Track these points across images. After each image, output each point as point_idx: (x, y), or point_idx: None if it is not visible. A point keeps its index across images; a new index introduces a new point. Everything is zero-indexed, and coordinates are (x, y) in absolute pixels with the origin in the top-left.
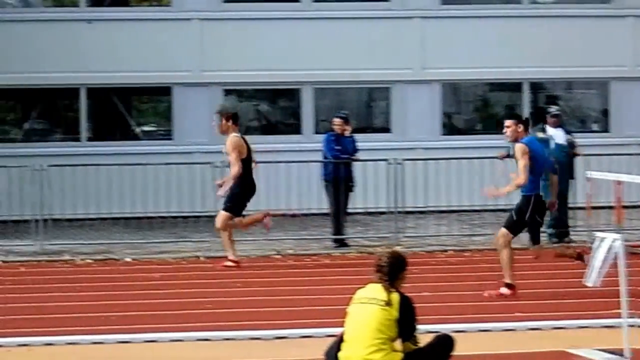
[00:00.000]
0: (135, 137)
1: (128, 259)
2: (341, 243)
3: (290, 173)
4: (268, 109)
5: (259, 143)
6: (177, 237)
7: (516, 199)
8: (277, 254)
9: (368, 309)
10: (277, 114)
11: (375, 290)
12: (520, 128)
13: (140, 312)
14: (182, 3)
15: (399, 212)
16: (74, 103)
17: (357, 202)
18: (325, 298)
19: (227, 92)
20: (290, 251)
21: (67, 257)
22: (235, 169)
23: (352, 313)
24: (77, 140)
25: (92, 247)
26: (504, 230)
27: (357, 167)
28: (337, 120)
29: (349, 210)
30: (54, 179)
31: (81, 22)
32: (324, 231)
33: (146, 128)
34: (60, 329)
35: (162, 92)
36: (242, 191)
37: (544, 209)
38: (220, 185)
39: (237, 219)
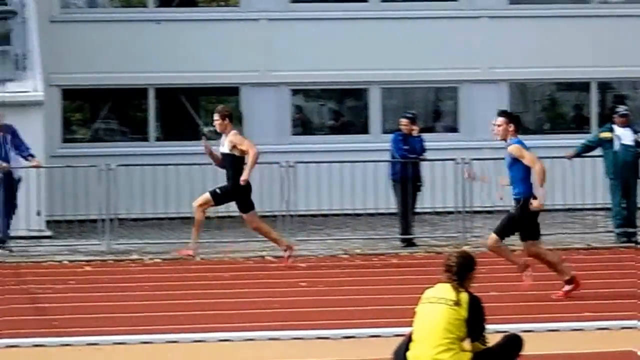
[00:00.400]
0: (203, 137)
1: (198, 258)
2: (409, 243)
3: (358, 173)
4: (335, 109)
5: (326, 143)
6: (244, 237)
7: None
8: (345, 254)
9: (437, 308)
10: (344, 113)
11: (444, 290)
12: (511, 127)
13: (210, 312)
14: (250, 3)
15: (467, 212)
16: (143, 103)
17: (424, 201)
18: (392, 298)
19: (295, 92)
20: (358, 251)
21: (135, 257)
22: (252, 153)
23: (420, 313)
24: (145, 140)
25: (161, 246)
26: (529, 242)
27: (424, 167)
28: (404, 120)
29: (417, 210)
30: (121, 178)
31: (150, 22)
32: (392, 231)
33: (214, 128)
34: (130, 328)
35: (229, 92)
36: (234, 187)
37: (536, 212)
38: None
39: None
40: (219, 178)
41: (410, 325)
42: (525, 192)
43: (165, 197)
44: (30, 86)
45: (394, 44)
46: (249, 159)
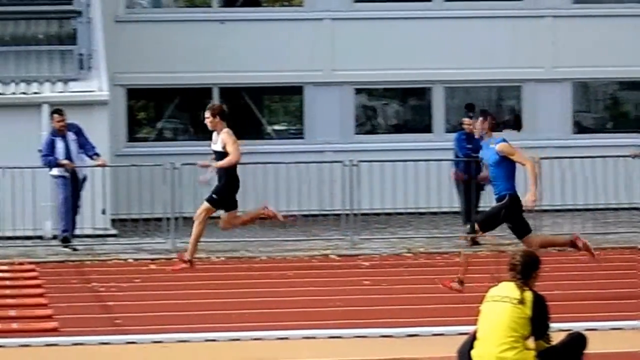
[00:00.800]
0: (267, 136)
1: (262, 257)
2: (472, 241)
3: (421, 171)
4: (398, 108)
5: (389, 142)
6: (309, 236)
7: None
8: (408, 252)
9: (501, 307)
10: (407, 112)
11: (509, 289)
12: (486, 125)
13: (273, 310)
14: (314, 3)
15: (534, 211)
16: (207, 102)
17: (488, 200)
18: (455, 296)
19: (358, 91)
20: (422, 249)
21: (201, 255)
22: (233, 156)
23: (485, 311)
24: (209, 139)
25: (226, 244)
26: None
27: None
28: (466, 120)
29: (480, 209)
30: (185, 177)
31: (214, 22)
32: (455, 229)
33: (277, 127)
34: (194, 326)
35: (293, 92)
36: (229, 186)
37: (519, 210)
38: (205, 167)
39: (230, 215)
40: (284, 175)
41: (474, 324)
42: (510, 189)
43: None
44: (96, 86)
45: (458, 43)
46: (227, 158)
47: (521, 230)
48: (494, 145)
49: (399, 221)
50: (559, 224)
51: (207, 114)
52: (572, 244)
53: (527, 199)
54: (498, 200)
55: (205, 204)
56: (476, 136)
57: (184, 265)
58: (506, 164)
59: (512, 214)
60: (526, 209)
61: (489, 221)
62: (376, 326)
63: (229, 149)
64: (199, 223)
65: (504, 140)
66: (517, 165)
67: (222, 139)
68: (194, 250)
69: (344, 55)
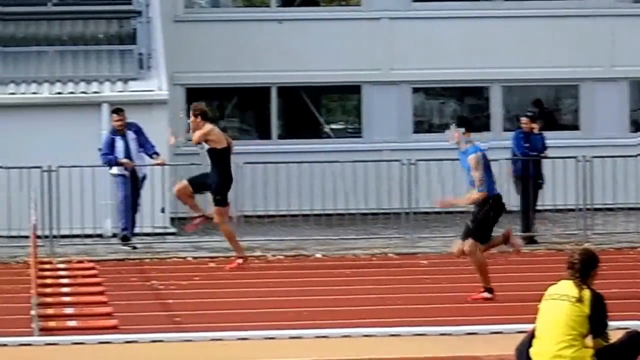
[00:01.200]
0: (324, 135)
1: (319, 255)
2: (530, 240)
3: None
4: (456, 107)
5: (445, 141)
6: (367, 234)
7: None
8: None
9: (559, 305)
10: (465, 111)
11: (567, 287)
12: (463, 131)
13: (331, 308)
14: (371, 3)
15: (588, 209)
16: (265, 102)
17: (546, 199)
18: (513, 294)
19: (415, 90)
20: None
21: (258, 253)
22: (195, 136)
23: (543, 309)
24: (268, 138)
25: (284, 243)
26: (471, 241)
27: (546, 164)
28: (524, 119)
29: (538, 207)
30: (245, 176)
31: (272, 21)
32: (513, 228)
33: (335, 126)
34: (253, 324)
35: (351, 91)
36: (224, 182)
37: (502, 209)
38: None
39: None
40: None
41: (532, 322)
42: (490, 191)
43: (288, 194)
44: (155, 85)
45: (516, 42)
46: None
47: (471, 232)
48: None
49: (457, 219)
50: (611, 222)
51: (190, 114)
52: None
53: (444, 200)
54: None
55: (215, 209)
56: (453, 142)
57: (239, 261)
58: (483, 170)
59: (491, 210)
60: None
61: (484, 230)
62: (435, 324)
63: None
64: (222, 227)
65: (476, 151)
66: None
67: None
68: (240, 248)
69: (401, 55)
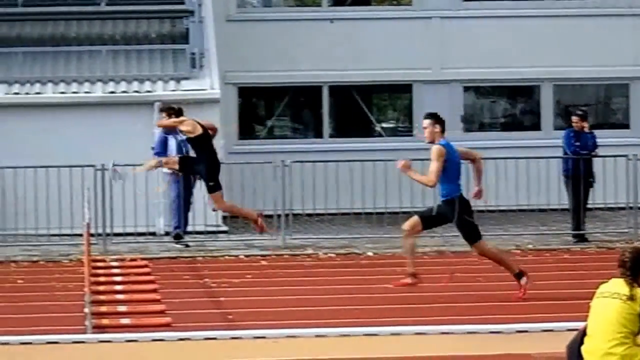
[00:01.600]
0: (376, 133)
1: (370, 253)
2: (581, 238)
3: (531, 169)
4: (506, 106)
5: (498, 139)
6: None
7: None
8: (517, 249)
9: (610, 303)
10: (516, 110)
11: (618, 285)
12: (437, 128)
13: (382, 306)
14: (423, 2)
15: (639, 208)
16: (317, 100)
17: (596, 197)
18: (564, 292)
19: (466, 89)
20: (530, 246)
21: (310, 251)
22: (167, 122)
23: (594, 307)
24: (320, 136)
25: (335, 241)
26: (416, 217)
27: (596, 163)
28: (575, 117)
29: (589, 206)
30: (296, 174)
31: (324, 21)
32: (564, 226)
33: (386, 125)
34: (304, 322)
35: (402, 90)
36: (210, 167)
37: (470, 208)
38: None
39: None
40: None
41: (583, 320)
42: (455, 192)
43: (338, 193)
44: (207, 84)
45: (566, 41)
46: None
47: (466, 232)
48: None
49: (508, 218)
50: None
51: (164, 114)
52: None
53: (403, 162)
54: (445, 202)
55: (212, 197)
56: (427, 141)
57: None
58: (448, 166)
59: (462, 213)
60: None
61: (471, 232)
62: (486, 322)
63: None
64: (223, 207)
65: (444, 144)
66: (450, 167)
67: (181, 130)
68: (248, 211)
69: (452, 54)
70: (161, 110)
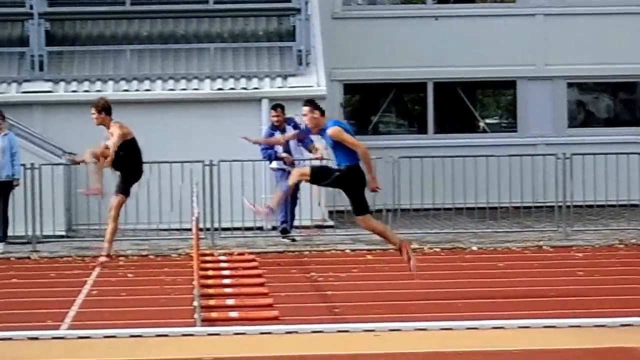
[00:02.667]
0: (480, 129)
1: (474, 248)
2: None
3: (634, 164)
4: (609, 102)
5: (601, 135)
6: (521, 227)
7: None
8: (621, 244)
9: None
10: (618, 106)
11: None
12: (316, 114)
13: (487, 300)
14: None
15: None
16: (421, 97)
17: None
18: None
19: (570, 85)
20: (634, 241)
21: (415, 246)
22: (113, 141)
23: None
24: (424, 132)
25: (440, 236)
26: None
27: None
28: None
29: None
30: (401, 170)
31: (428, 18)
32: None
33: (490, 121)
34: (408, 315)
35: (506, 86)
36: (136, 172)
37: (360, 182)
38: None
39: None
40: (497, 168)
41: None
42: (350, 162)
43: (444, 188)
44: (313, 81)
45: None
46: (111, 141)
47: (357, 207)
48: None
49: (611, 213)
50: None
51: (93, 110)
52: (399, 249)
53: (370, 188)
54: (349, 167)
55: (120, 197)
56: (310, 127)
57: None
58: (342, 147)
59: (347, 183)
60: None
61: (321, 174)
62: (589, 316)
63: (113, 139)
64: (114, 221)
65: (336, 124)
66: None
67: (110, 132)
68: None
69: (556, 50)
70: (93, 106)
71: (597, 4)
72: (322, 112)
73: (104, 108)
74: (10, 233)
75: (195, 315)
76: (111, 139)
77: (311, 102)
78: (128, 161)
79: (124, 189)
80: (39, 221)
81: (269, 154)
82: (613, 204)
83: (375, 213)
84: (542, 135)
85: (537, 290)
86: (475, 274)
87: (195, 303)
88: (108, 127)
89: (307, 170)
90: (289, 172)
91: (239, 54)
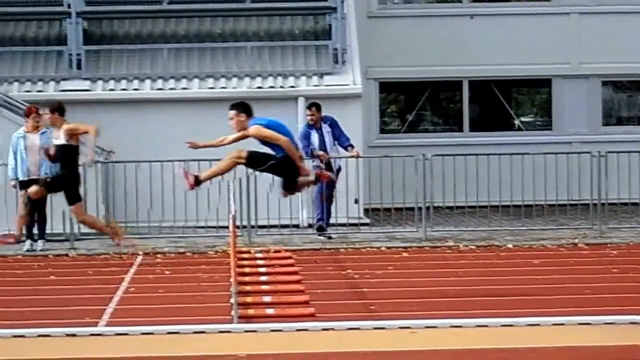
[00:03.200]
0: (515, 127)
1: (509, 245)
2: None
3: None
4: None
5: (636, 133)
6: (556, 225)
7: None
8: None
9: None
10: None
11: None
12: (243, 117)
13: (517, 297)
14: None
15: None
16: (457, 95)
17: None
18: None
19: (604, 84)
20: None
21: (450, 243)
22: (93, 128)
23: None
24: (460, 130)
25: (475, 233)
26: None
27: None
28: None
29: None
30: (436, 167)
31: (464, 17)
32: None
33: (525, 119)
34: (443, 312)
35: (541, 84)
36: (77, 177)
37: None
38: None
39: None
40: (532, 166)
41: None
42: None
43: (478, 185)
44: (349, 79)
45: None
46: (90, 138)
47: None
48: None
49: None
50: None
51: (46, 110)
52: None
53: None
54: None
55: (73, 208)
56: (236, 130)
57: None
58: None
59: (281, 171)
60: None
61: (257, 160)
62: (625, 313)
63: (81, 129)
64: (85, 220)
65: (256, 122)
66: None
67: (64, 130)
68: (102, 227)
69: (590, 48)
70: (48, 106)
71: (631, 3)
72: (249, 114)
73: (58, 108)
74: (48, 230)
75: (232, 312)
76: (89, 137)
77: (237, 106)
78: (72, 165)
79: (75, 196)
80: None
81: (306, 152)
82: None
83: (407, 211)
84: (577, 133)
85: (572, 287)
86: (510, 271)
87: (232, 300)
88: (59, 128)
89: (245, 153)
90: (325, 170)
91: (276, 52)
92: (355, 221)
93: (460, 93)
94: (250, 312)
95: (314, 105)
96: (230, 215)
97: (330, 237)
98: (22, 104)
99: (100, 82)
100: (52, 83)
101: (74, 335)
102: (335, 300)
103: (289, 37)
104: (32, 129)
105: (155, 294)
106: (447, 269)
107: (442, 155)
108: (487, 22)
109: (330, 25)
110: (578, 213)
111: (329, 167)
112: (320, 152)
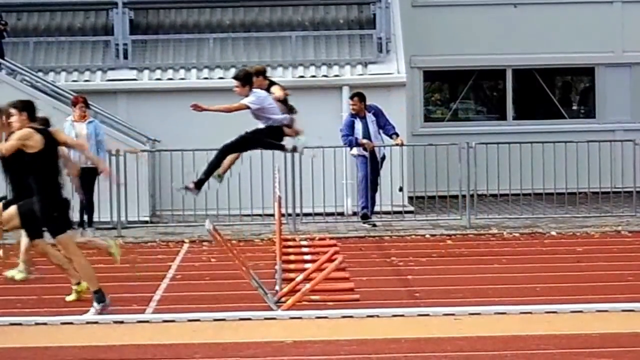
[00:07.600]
0: (559, 115)
1: (553, 233)
2: None
3: None
4: None
5: None
6: (599, 212)
7: None
8: None
9: None
10: None
11: None
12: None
13: (561, 284)
14: None
15: None
16: (500, 83)
17: None
18: None
19: None
20: None
21: (494, 231)
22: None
23: None
24: (503, 119)
25: (519, 221)
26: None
27: None
28: None
29: None
30: (480, 156)
31: (507, 5)
32: None
33: (568, 107)
34: (487, 299)
35: (585, 73)
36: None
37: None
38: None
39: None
40: (575, 154)
41: None
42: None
43: (522, 174)
44: (394, 68)
45: None
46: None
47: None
48: None
49: None
50: None
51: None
52: None
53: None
54: None
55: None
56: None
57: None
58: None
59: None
60: None
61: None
62: None
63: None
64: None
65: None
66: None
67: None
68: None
69: (633, 37)
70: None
71: None
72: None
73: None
74: (95, 219)
75: (277, 299)
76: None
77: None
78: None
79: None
80: (124, 207)
81: (350, 141)
82: None
83: (451, 199)
84: (620, 122)
85: (615, 274)
86: (554, 258)
87: (278, 287)
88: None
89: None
90: (369, 158)
91: (320, 42)
92: (400, 209)
93: (503, 81)
94: (296, 298)
95: (356, 95)
96: (276, 203)
97: (374, 225)
98: (69, 93)
99: (146, 72)
100: (99, 73)
101: (121, 322)
102: (380, 287)
103: (333, 26)
104: (79, 118)
105: (201, 281)
106: (490, 256)
107: (486, 143)
108: (530, 10)
109: (374, 15)
110: (621, 201)
111: (373, 155)
112: (365, 141)
